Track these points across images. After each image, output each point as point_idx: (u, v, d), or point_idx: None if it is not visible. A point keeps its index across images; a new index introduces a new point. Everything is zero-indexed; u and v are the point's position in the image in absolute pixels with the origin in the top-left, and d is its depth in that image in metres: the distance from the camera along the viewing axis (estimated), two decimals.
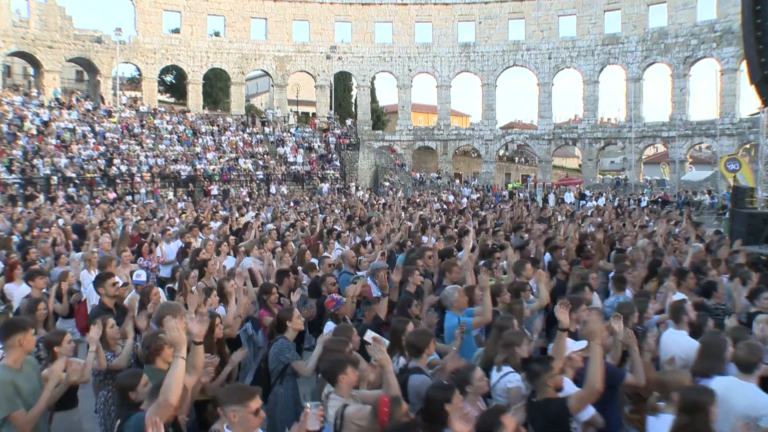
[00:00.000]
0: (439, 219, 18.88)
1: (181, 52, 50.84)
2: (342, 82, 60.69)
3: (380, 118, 65.91)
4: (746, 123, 42.41)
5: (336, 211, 22.08)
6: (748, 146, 44.15)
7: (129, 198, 32.84)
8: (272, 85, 56.72)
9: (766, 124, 20.85)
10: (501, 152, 61.36)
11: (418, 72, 55.74)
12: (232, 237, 12.92)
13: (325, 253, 11.84)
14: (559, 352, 5.00)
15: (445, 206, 26.06)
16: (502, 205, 25.28)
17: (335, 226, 14.81)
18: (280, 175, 40.46)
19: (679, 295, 7.70)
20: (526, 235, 13.66)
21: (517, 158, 67.67)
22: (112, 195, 32.83)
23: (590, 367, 4.49)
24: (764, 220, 18.35)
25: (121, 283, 7.27)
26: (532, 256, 11.47)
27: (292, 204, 25.69)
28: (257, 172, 40.07)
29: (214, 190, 35.59)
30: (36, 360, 5.03)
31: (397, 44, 55.15)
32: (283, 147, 44.62)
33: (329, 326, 6.98)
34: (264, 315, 7.55)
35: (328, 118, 52.76)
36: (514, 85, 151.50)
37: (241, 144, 43.43)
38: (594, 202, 31.19)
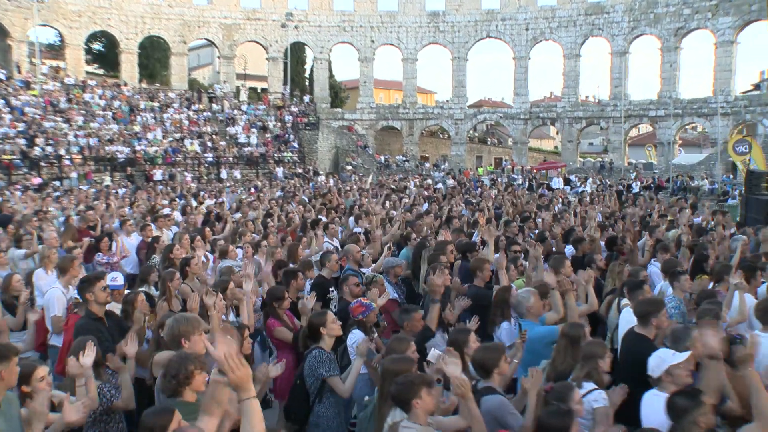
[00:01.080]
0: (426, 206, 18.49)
1: (111, 16, 48.80)
2: (295, 54, 59.56)
3: (338, 94, 65.11)
4: (742, 101, 43.24)
5: (305, 198, 21.37)
6: (741, 126, 45.02)
7: (57, 183, 31.29)
8: (218, 57, 55.21)
9: None
10: (471, 133, 61.37)
11: (382, 43, 55.13)
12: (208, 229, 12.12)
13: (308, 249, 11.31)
14: (714, 386, 4.58)
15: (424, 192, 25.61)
16: (490, 192, 24.93)
17: (320, 216, 14.14)
18: (231, 158, 39.35)
19: (749, 297, 7.44)
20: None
21: (489, 139, 67.85)
22: (36, 180, 31.25)
23: (756, 396, 4.10)
24: None
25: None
26: (554, 249, 11.15)
27: (253, 190, 24.81)
28: (206, 155, 38.89)
29: (158, 174, 34.30)
30: (16, 395, 4.29)
31: (358, 12, 54.33)
32: (233, 126, 43.47)
33: (355, 336, 6.51)
34: (275, 325, 6.93)
35: (283, 94, 51.63)
36: (487, 59, 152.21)
37: (186, 123, 42.09)
38: (583, 188, 31.24)
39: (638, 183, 34.44)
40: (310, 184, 31.61)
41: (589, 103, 56.58)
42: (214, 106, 46.05)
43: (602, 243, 11.52)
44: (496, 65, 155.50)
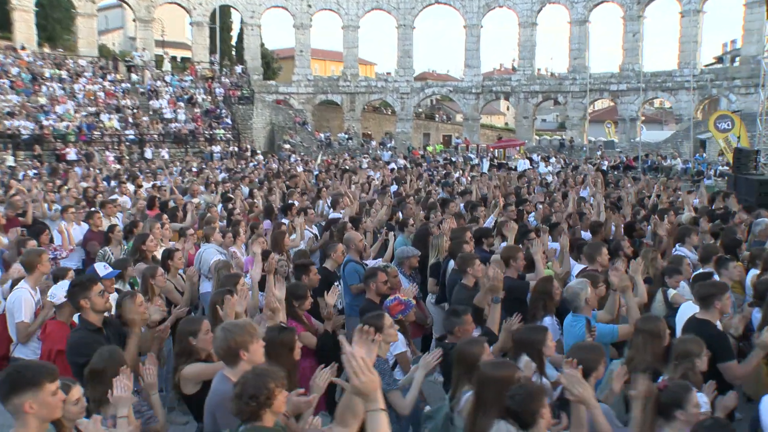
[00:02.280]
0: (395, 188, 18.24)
1: None
2: (220, 19, 58.08)
3: (270, 65, 63.82)
4: (708, 75, 44.52)
5: (256, 181, 20.73)
6: (706, 101, 46.45)
7: None
8: (133, 20, 53.11)
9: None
10: (416, 109, 61.25)
11: (320, 9, 54.38)
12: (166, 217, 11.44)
13: (293, 236, 10.91)
14: None
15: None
16: (456, 173, 24.86)
17: (292, 201, 13.59)
18: (156, 136, 37.90)
19: None
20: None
21: (437, 115, 67.99)
22: None
23: None
24: None
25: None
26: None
27: (194, 170, 23.86)
28: (126, 132, 37.29)
29: (72, 153, 32.65)
30: (52, 426, 3.70)
31: None
32: (157, 100, 41.83)
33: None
34: (298, 330, 6.42)
35: (212, 62, 50.15)
36: (435, 27, 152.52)
37: (101, 95, 40.17)
38: (547, 168, 31.48)
39: (606, 163, 35.03)
40: (251, 164, 30.82)
41: (546, 77, 57.15)
42: (134, 77, 44.19)
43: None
44: (443, 35, 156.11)
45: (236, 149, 39.07)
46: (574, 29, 50.29)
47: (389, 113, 62.36)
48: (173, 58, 61.94)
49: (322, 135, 51.18)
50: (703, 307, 6.06)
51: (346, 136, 51.45)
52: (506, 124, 77.60)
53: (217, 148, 37.97)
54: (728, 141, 23.99)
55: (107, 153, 34.22)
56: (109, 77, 43.17)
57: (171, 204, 14.11)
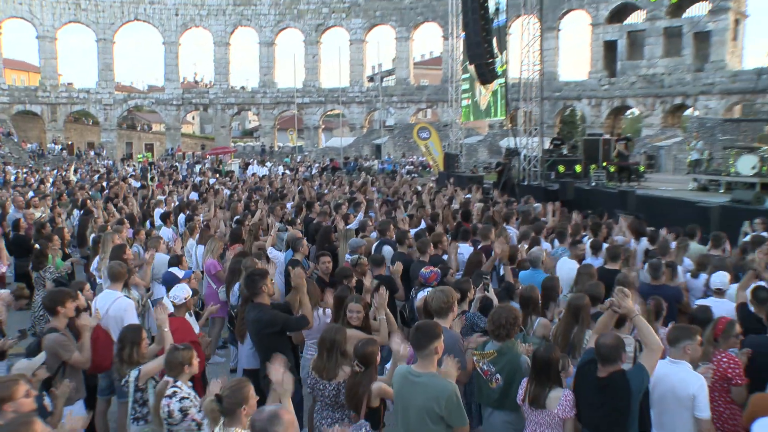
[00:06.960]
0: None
1: None
2: None
3: None
4: (373, 91, 54.45)
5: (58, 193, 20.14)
6: (372, 113, 56.51)
7: None
8: None
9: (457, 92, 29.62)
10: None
11: (9, 16, 53.37)
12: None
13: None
14: None
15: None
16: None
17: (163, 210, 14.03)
18: None
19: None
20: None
21: (139, 126, 69.35)
22: None
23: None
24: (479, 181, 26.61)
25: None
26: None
27: None
28: None
29: None
30: None
31: None
32: None
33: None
34: None
35: None
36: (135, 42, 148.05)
37: None
38: (278, 170, 36.90)
39: (318, 165, 41.49)
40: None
41: (240, 90, 62.78)
42: None
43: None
44: (141, 48, 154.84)
45: None
46: (263, 49, 56.77)
47: (90, 123, 62.63)
48: None
49: (29, 145, 50.50)
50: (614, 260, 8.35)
51: (59, 146, 51.44)
52: (193, 132, 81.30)
53: None
54: (428, 147, 31.34)
55: None
56: None
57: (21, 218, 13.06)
